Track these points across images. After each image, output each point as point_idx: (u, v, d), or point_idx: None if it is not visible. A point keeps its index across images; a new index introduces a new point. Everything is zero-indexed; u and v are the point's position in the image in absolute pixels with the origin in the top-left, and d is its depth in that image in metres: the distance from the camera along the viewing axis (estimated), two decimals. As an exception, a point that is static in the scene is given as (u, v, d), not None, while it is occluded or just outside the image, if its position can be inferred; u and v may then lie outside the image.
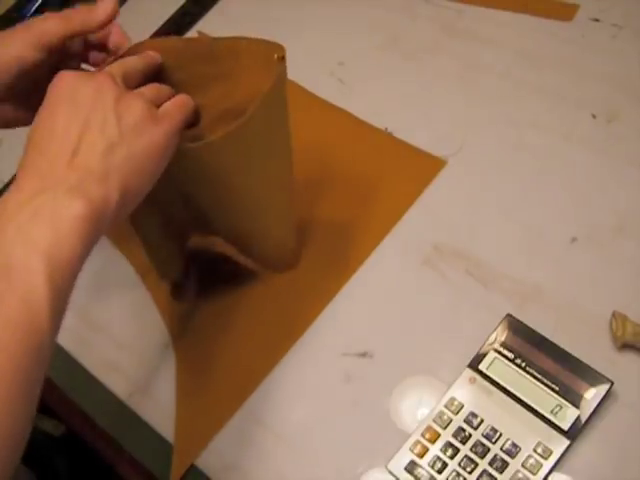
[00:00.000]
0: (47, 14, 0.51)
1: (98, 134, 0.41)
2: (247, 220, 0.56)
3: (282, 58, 0.49)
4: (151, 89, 0.47)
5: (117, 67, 0.47)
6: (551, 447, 0.49)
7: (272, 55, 0.50)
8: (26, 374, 0.34)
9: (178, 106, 0.47)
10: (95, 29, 0.50)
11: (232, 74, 0.52)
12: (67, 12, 0.50)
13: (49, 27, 0.50)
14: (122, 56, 0.50)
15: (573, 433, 0.49)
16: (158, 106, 0.45)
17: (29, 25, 0.50)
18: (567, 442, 0.49)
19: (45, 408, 0.78)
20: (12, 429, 0.34)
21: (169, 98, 0.47)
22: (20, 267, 0.36)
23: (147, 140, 0.43)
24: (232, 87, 0.53)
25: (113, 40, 0.53)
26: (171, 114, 0.45)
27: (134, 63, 0.48)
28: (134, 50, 0.51)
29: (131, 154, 0.42)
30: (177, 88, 0.50)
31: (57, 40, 0.50)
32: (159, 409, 0.60)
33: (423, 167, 0.66)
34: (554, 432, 0.49)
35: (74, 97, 0.42)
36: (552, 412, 0.50)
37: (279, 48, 0.50)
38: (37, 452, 0.82)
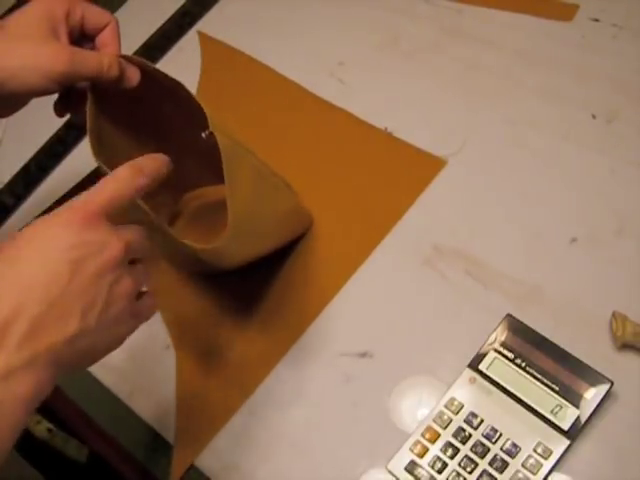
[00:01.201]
0: (82, 52, 0.49)
1: (78, 313, 0.38)
2: None
3: (211, 134, 0.49)
4: (141, 272, 0.44)
5: (134, 233, 0.43)
6: (551, 447, 0.49)
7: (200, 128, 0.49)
8: None
9: (151, 309, 0.45)
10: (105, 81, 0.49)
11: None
12: (104, 60, 0.49)
13: (82, 69, 0.48)
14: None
15: (573, 433, 0.49)
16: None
17: (57, 49, 0.48)
18: (567, 442, 0.49)
19: (45, 408, 0.78)
20: None
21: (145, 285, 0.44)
22: None
23: (117, 334, 0.41)
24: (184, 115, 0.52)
25: (102, 39, 0.52)
26: (143, 315, 0.44)
27: (146, 243, 0.44)
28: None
29: (95, 344, 0.40)
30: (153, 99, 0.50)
31: (65, 79, 0.48)
32: (159, 409, 0.60)
33: (423, 167, 0.66)
34: (554, 432, 0.49)
35: (74, 261, 0.38)
36: (552, 412, 0.50)
37: (204, 119, 0.49)
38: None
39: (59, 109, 0.55)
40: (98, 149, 0.49)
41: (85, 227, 0.39)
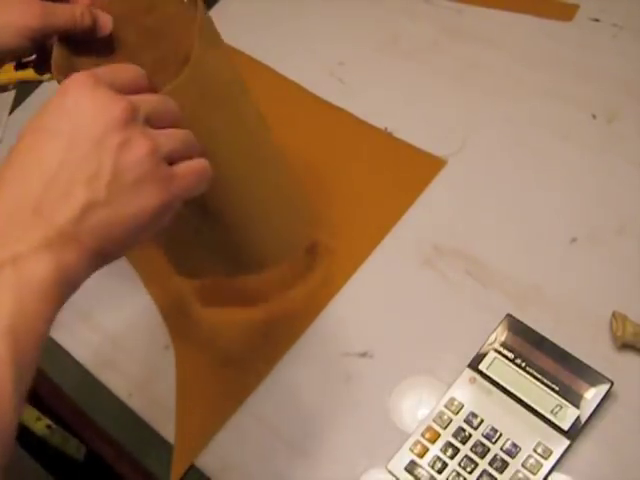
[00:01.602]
0: (55, 5, 0.48)
1: (82, 185, 0.34)
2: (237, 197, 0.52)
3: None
4: (172, 137, 0.38)
5: (148, 101, 0.38)
6: (551, 447, 0.49)
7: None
8: None
9: (196, 172, 0.39)
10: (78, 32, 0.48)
11: (163, 26, 0.51)
12: (77, 10, 0.47)
13: (55, 22, 0.47)
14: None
15: (573, 433, 0.49)
16: (170, 162, 0.38)
17: (32, 5, 0.47)
18: (567, 442, 0.49)
19: (45, 407, 0.78)
20: None
21: (187, 153, 0.39)
22: None
23: (141, 204, 0.36)
24: (178, 38, 0.51)
25: None
26: (185, 178, 0.38)
27: (170, 108, 0.39)
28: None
29: (115, 218, 0.35)
30: (130, 47, 0.48)
31: (39, 35, 0.47)
32: (159, 409, 0.60)
33: (423, 167, 0.66)
34: (554, 432, 0.49)
35: (72, 121, 0.35)
36: (552, 412, 0.50)
37: None
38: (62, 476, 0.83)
39: (39, 67, 0.54)
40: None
41: (80, 91, 0.35)
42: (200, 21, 0.45)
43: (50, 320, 0.34)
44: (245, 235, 0.54)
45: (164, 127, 0.38)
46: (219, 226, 0.52)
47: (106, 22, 0.49)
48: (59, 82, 0.44)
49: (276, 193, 0.55)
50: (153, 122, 0.38)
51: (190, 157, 0.39)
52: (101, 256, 0.36)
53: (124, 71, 0.39)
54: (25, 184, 0.34)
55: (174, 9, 0.49)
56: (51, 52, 0.51)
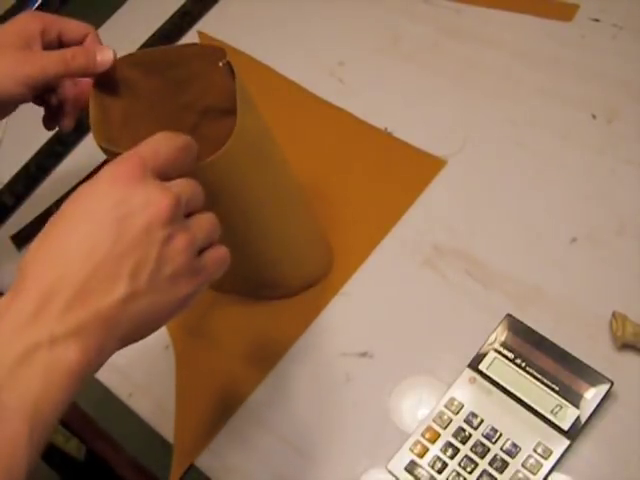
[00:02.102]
0: (48, 52, 0.50)
1: (126, 274, 0.35)
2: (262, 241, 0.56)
3: (227, 64, 0.50)
4: (203, 228, 0.40)
5: (186, 189, 0.39)
6: (551, 447, 0.49)
7: (217, 62, 0.50)
8: None
9: (220, 261, 0.41)
10: (93, 75, 0.50)
11: (191, 78, 0.53)
12: (67, 53, 0.49)
13: (48, 67, 0.49)
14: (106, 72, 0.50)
15: (573, 433, 0.49)
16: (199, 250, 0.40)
17: (27, 55, 0.49)
18: (567, 442, 0.49)
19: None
20: None
21: (213, 241, 0.41)
22: (3, 418, 0.32)
23: (176, 295, 0.38)
24: (202, 88, 0.54)
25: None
26: (209, 270, 0.40)
27: (200, 191, 0.41)
28: (120, 63, 0.51)
29: (151, 307, 0.37)
30: (155, 94, 0.52)
31: (52, 81, 0.49)
32: (159, 409, 0.60)
33: (423, 167, 0.66)
34: (554, 432, 0.49)
35: (122, 211, 0.36)
36: (552, 412, 0.50)
37: (221, 53, 0.50)
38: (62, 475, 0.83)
39: (47, 123, 0.57)
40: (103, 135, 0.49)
41: (130, 182, 0.36)
42: (240, 91, 0.47)
43: (66, 404, 0.34)
44: (267, 264, 0.58)
45: (195, 211, 0.40)
46: (245, 257, 0.55)
47: (105, 59, 0.50)
48: (100, 147, 0.46)
49: (296, 228, 0.58)
50: (189, 208, 0.39)
51: (213, 243, 0.41)
52: (128, 341, 0.37)
53: (166, 146, 0.39)
54: (70, 265, 0.35)
55: (198, 66, 0.52)
56: (54, 106, 0.56)
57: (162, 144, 0.39)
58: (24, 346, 0.33)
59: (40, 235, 0.36)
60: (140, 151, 0.38)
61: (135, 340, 0.38)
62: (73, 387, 0.34)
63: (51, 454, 0.84)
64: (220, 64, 0.50)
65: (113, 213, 0.36)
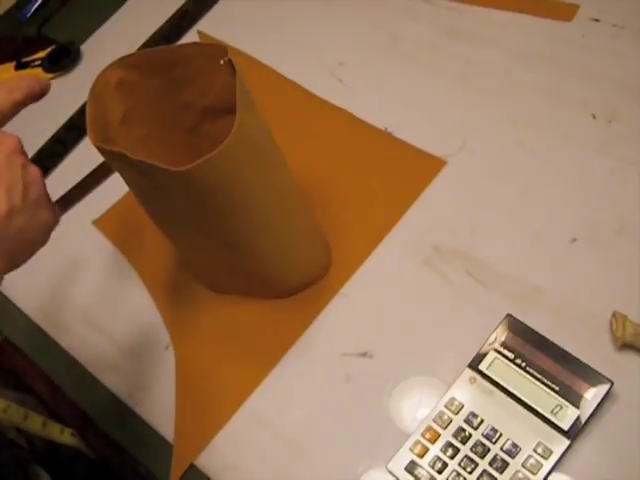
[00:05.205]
0: None
1: (4, 195, 0.41)
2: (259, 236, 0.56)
3: (229, 61, 0.50)
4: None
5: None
6: (551, 447, 0.49)
7: (218, 60, 0.51)
8: None
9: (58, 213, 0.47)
10: (39, 99, 0.49)
11: (192, 77, 0.54)
12: (12, 83, 0.48)
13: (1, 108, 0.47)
14: None
15: (573, 433, 0.49)
16: None
17: None
18: (567, 442, 0.49)
19: (46, 408, 0.78)
20: None
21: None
22: None
23: (42, 217, 0.43)
24: (203, 87, 0.55)
25: None
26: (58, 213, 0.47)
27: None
28: (120, 63, 0.52)
29: (28, 224, 0.42)
30: (155, 92, 0.53)
31: (11, 115, 0.48)
32: (159, 409, 0.60)
33: (423, 167, 0.66)
34: (554, 432, 0.49)
35: None
36: (552, 412, 0.50)
37: (222, 51, 0.51)
38: (57, 460, 0.83)
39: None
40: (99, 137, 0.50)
41: None
42: (240, 90, 0.48)
43: None
44: (266, 264, 0.58)
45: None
46: (244, 256, 0.57)
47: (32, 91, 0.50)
48: (95, 146, 0.49)
49: (294, 228, 0.58)
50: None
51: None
52: (14, 259, 0.42)
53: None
54: None
55: (199, 65, 0.53)
56: None
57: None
58: None
59: None
60: None
61: (19, 260, 0.43)
62: None
63: (51, 454, 0.84)
64: (221, 62, 0.50)
65: None
